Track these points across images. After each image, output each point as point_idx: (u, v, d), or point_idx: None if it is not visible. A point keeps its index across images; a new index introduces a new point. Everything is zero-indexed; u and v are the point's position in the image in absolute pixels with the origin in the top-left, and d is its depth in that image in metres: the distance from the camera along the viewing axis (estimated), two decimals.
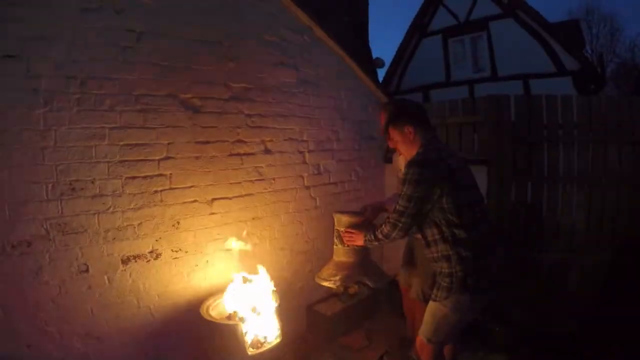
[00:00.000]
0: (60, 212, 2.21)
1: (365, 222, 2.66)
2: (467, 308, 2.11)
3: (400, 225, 2.13)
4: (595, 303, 3.29)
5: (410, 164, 2.11)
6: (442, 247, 2.10)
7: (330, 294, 3.63)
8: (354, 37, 7.35)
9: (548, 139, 3.64)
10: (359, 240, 2.50)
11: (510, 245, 3.55)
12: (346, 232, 2.62)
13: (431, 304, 2.18)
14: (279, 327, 2.60)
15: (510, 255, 3.43)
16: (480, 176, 3.66)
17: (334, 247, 2.75)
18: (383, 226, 2.24)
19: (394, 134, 2.31)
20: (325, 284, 2.68)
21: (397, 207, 2.12)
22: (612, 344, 2.97)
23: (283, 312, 2.67)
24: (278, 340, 2.55)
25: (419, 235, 2.35)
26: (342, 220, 2.67)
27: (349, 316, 3.54)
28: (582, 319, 3.21)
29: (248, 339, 2.43)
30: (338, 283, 2.63)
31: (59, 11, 2.17)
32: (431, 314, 2.17)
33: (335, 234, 2.72)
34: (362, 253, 2.69)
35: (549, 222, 3.65)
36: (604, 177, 3.50)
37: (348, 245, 2.64)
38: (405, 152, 2.34)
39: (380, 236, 2.27)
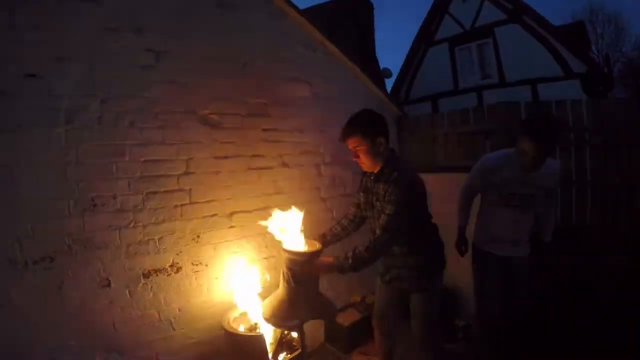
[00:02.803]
0: (82, 227, 2.25)
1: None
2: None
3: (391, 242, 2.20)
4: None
5: (397, 184, 2.16)
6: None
7: (348, 304, 3.63)
8: (360, 48, 7.41)
9: (560, 143, 3.63)
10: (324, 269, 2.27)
11: None
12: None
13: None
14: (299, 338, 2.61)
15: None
16: None
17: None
18: (368, 246, 2.16)
19: (362, 143, 2.24)
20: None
21: (388, 225, 2.15)
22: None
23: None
24: (299, 350, 2.56)
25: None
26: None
27: (367, 326, 3.52)
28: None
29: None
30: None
31: (79, 31, 2.24)
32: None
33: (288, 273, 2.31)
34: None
35: (562, 225, 3.63)
36: (617, 178, 3.47)
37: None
38: (367, 163, 2.31)
39: (366, 255, 2.14)
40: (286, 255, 2.28)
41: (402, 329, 2.65)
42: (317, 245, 2.34)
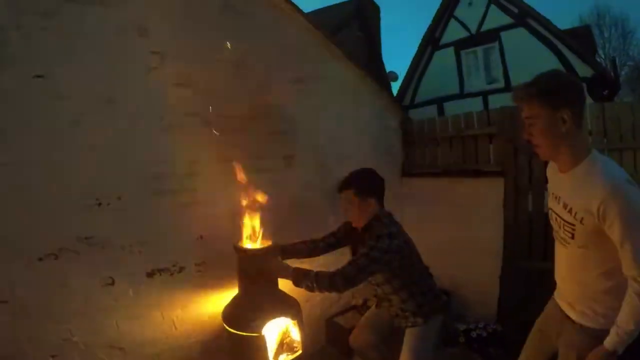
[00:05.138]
0: (86, 225, 2.26)
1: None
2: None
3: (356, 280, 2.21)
4: None
5: (380, 235, 2.25)
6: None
7: (350, 307, 3.64)
8: (367, 51, 7.43)
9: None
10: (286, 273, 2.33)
11: (529, 257, 3.54)
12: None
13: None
14: (300, 339, 2.63)
15: (528, 267, 3.43)
16: (497, 188, 3.69)
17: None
18: (333, 274, 2.19)
19: (353, 199, 2.38)
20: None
21: (359, 261, 2.21)
22: None
23: (302, 325, 2.66)
24: (299, 352, 2.58)
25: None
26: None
27: None
28: None
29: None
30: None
31: (86, 33, 2.26)
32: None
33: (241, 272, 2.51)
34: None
35: None
36: None
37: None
38: (354, 217, 2.46)
39: (326, 281, 2.18)
40: (238, 253, 2.47)
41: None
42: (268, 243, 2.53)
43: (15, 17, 2.03)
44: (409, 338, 2.48)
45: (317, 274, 2.21)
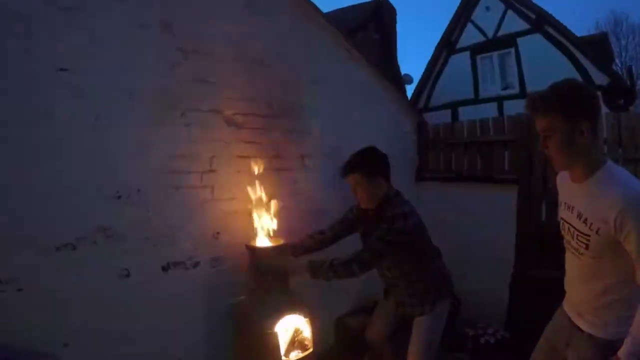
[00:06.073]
0: (105, 218, 2.29)
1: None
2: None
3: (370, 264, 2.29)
4: None
5: (393, 217, 2.25)
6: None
7: (360, 308, 3.65)
8: (382, 53, 7.43)
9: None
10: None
11: (540, 266, 3.52)
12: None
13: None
14: (310, 338, 2.65)
15: (539, 276, 3.41)
16: (510, 196, 3.68)
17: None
18: (347, 261, 2.23)
19: (361, 181, 2.37)
20: None
21: (373, 246, 2.26)
22: None
23: (313, 324, 2.69)
24: (310, 349, 2.60)
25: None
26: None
27: None
28: None
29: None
30: None
31: (110, 27, 2.30)
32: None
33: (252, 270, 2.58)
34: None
35: None
36: None
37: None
38: (363, 199, 2.44)
39: (340, 269, 2.22)
40: (249, 252, 2.54)
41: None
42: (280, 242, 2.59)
43: (41, 9, 2.06)
44: (418, 329, 2.46)
45: (332, 263, 2.23)
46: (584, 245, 1.65)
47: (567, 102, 1.56)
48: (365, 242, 2.47)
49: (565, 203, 1.81)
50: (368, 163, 2.41)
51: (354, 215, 2.67)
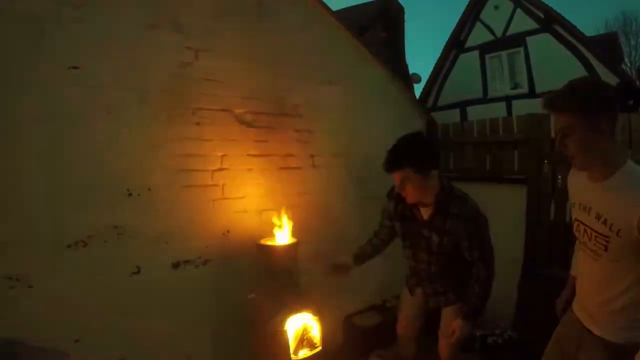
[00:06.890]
0: (116, 215, 2.31)
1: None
2: None
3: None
4: None
5: (475, 216, 2.17)
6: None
7: (368, 307, 3.66)
8: (391, 52, 7.40)
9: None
10: None
11: (549, 266, 3.51)
12: None
13: None
14: (319, 336, 2.66)
15: (548, 276, 3.40)
16: (520, 196, 3.67)
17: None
18: (481, 287, 2.20)
19: (414, 177, 2.09)
20: None
21: (488, 252, 2.19)
22: None
23: (322, 322, 2.71)
24: (319, 348, 2.61)
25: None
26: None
27: (387, 329, 3.54)
28: None
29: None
30: None
31: (121, 26, 2.32)
32: None
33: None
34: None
35: None
36: None
37: None
38: (415, 196, 2.17)
39: (482, 293, 2.21)
40: (260, 250, 2.56)
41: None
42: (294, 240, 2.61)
43: (53, 9, 2.09)
44: (452, 316, 2.37)
45: (475, 293, 2.22)
46: (602, 247, 1.59)
47: (586, 99, 1.52)
48: (411, 239, 2.38)
49: (580, 204, 1.74)
50: (420, 155, 2.08)
51: (390, 216, 2.47)
